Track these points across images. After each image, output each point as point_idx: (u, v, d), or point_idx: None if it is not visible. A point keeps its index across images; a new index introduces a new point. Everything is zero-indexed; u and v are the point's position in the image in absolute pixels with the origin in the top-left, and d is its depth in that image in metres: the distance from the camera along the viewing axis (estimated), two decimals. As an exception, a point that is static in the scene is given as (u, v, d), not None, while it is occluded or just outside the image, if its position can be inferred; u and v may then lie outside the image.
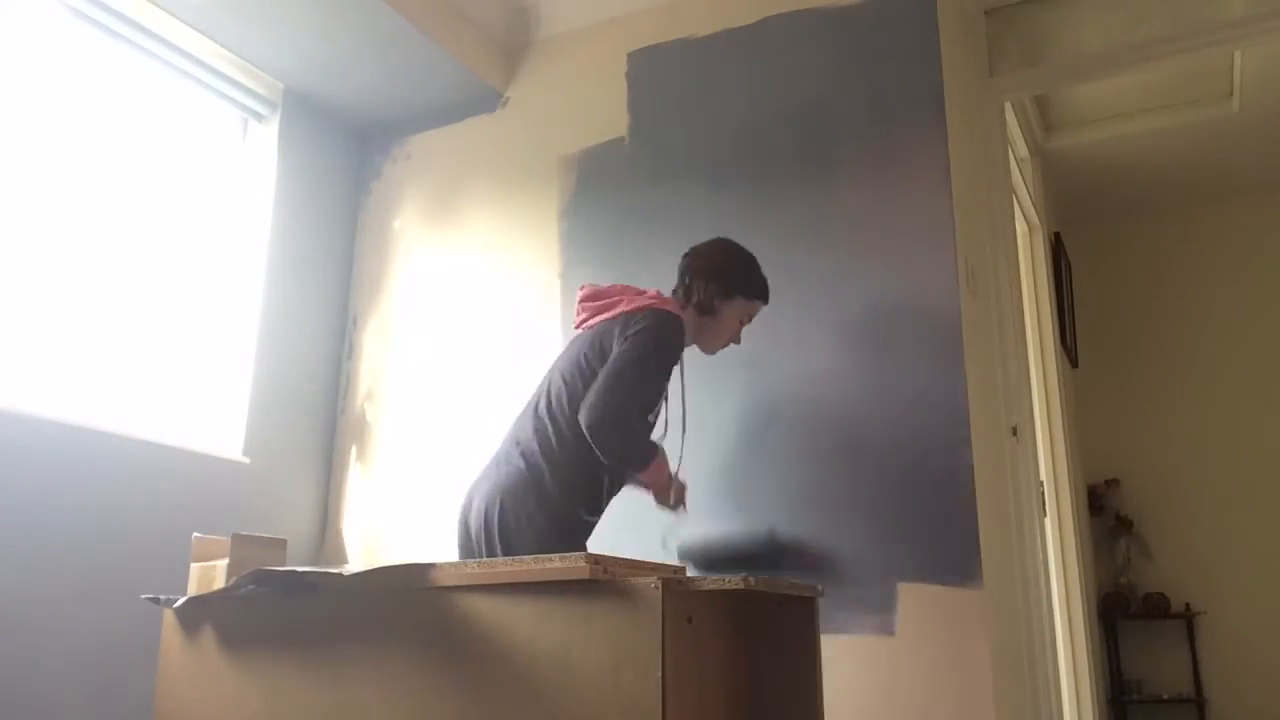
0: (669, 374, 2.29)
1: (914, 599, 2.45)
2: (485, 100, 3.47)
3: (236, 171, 3.34)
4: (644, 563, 1.60)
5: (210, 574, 1.99)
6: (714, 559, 2.68)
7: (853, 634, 2.48)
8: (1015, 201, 3.78)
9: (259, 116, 3.39)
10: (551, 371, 2.35)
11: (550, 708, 1.50)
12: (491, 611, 1.59)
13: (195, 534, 2.11)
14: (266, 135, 3.38)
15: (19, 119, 2.68)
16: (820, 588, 1.83)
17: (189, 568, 2.07)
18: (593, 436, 2.13)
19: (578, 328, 2.44)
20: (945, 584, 2.42)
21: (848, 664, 2.45)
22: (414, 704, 1.63)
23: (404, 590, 1.70)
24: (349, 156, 3.65)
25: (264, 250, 3.26)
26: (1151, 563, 5.33)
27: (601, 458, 2.16)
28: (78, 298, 2.78)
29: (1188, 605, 5.17)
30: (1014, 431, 3.06)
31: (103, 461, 2.66)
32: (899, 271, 2.66)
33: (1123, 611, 5.23)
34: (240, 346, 3.19)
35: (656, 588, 1.45)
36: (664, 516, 2.46)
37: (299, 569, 1.88)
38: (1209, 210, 5.55)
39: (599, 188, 3.18)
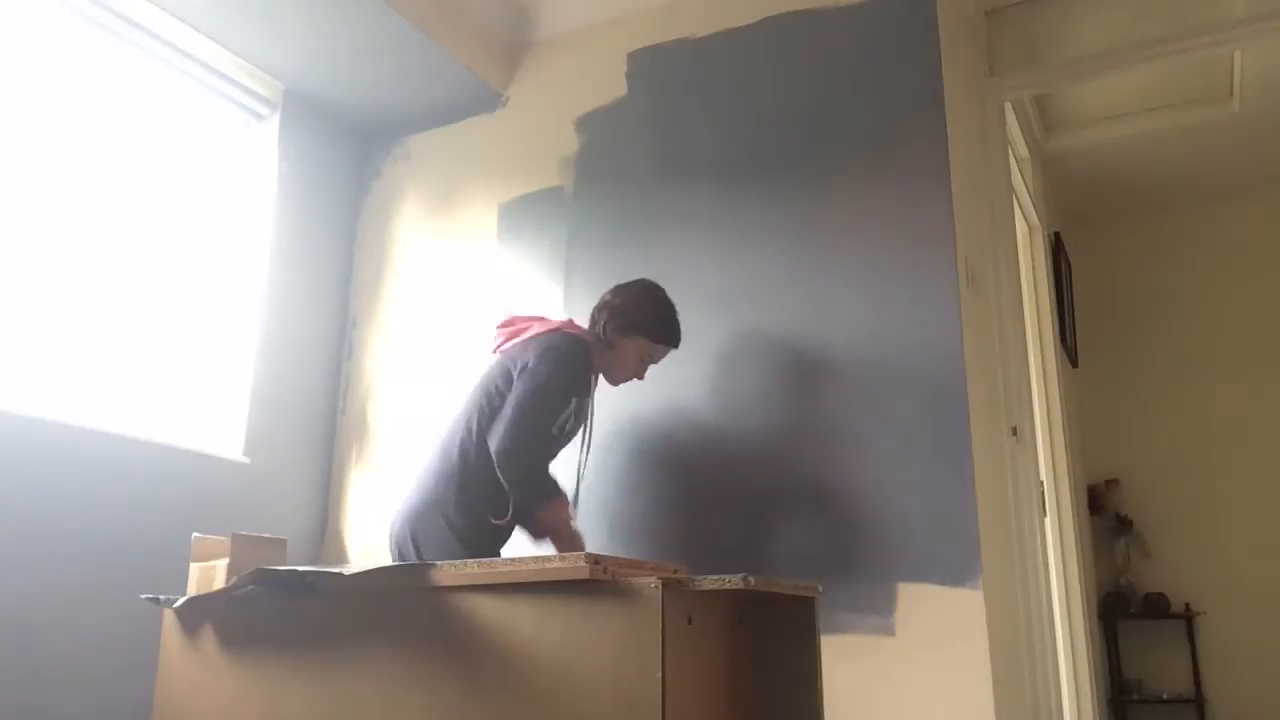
0: (578, 392, 2.44)
1: (914, 599, 2.45)
2: (485, 100, 3.47)
3: (236, 171, 3.33)
4: (644, 563, 1.60)
5: (210, 574, 1.99)
6: None
7: (853, 634, 2.48)
8: (1015, 201, 3.78)
9: (259, 116, 3.39)
10: (469, 395, 2.48)
11: (550, 708, 1.50)
12: (491, 611, 1.59)
13: (195, 534, 2.11)
14: (266, 135, 3.38)
15: (20, 119, 2.68)
16: (820, 587, 1.83)
17: (189, 568, 2.07)
18: (501, 469, 2.31)
19: (494, 352, 2.57)
20: (945, 584, 2.42)
21: (848, 664, 2.45)
22: (414, 703, 1.63)
23: (404, 590, 1.70)
24: (349, 156, 3.65)
25: (264, 250, 3.26)
26: (1151, 563, 5.33)
27: (506, 488, 2.33)
28: (79, 298, 2.78)
29: (1188, 605, 5.17)
30: (1014, 431, 3.06)
31: (103, 461, 2.66)
32: (899, 271, 2.66)
33: (1123, 611, 5.23)
34: (240, 346, 3.19)
35: (656, 587, 1.45)
36: None
37: (299, 569, 1.88)
38: (1209, 210, 5.55)
39: (599, 188, 3.18)
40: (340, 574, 1.74)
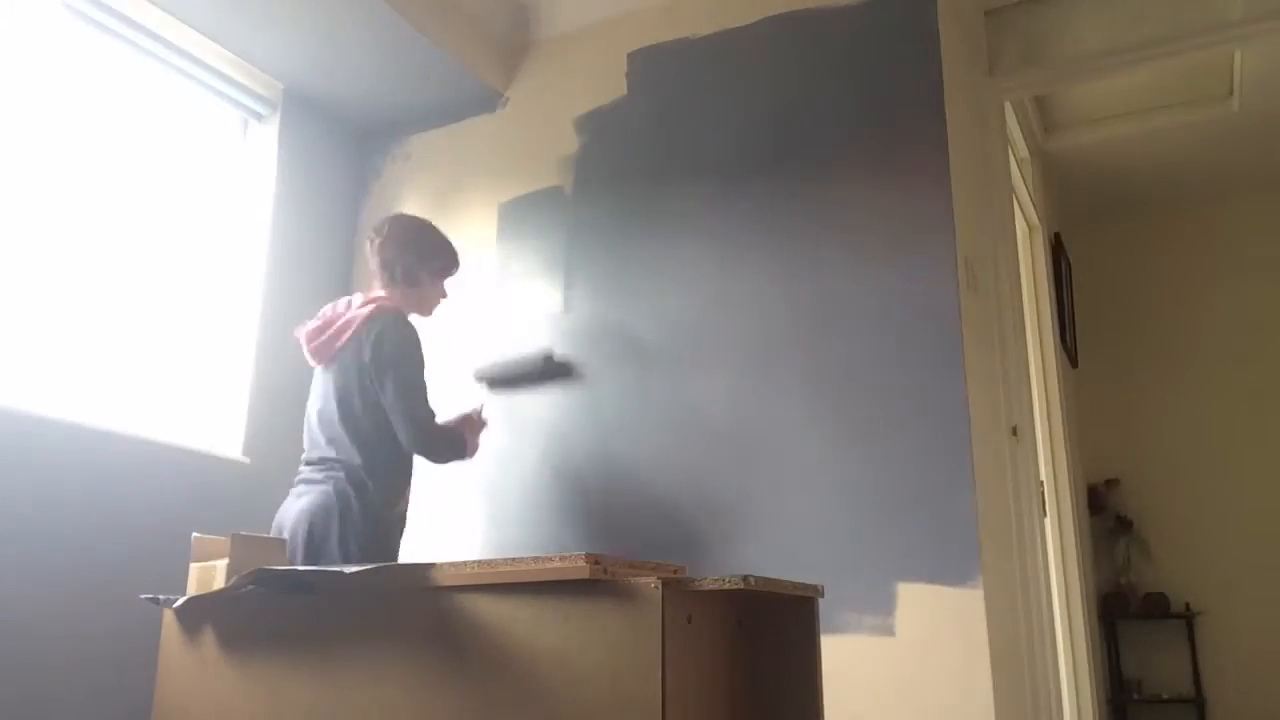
0: (423, 359, 2.59)
1: (914, 599, 2.45)
2: (485, 100, 3.47)
3: (236, 171, 3.33)
4: (644, 563, 1.60)
5: (210, 574, 1.99)
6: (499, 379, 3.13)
7: (853, 634, 2.48)
8: (1015, 201, 3.78)
9: (259, 116, 3.39)
10: (323, 403, 2.58)
11: (550, 708, 1.50)
12: (491, 611, 1.59)
13: (195, 534, 2.11)
14: (266, 135, 3.38)
15: (19, 119, 2.68)
16: (820, 588, 1.83)
17: (189, 568, 2.07)
18: (428, 457, 2.58)
19: (319, 362, 2.65)
20: (945, 584, 2.43)
21: (848, 664, 2.45)
22: (413, 703, 1.63)
23: (404, 590, 1.70)
24: (349, 156, 3.65)
25: (264, 250, 3.26)
26: (1151, 563, 5.33)
27: (436, 464, 2.63)
28: (78, 297, 2.78)
29: (1188, 605, 5.17)
30: (1014, 431, 3.06)
31: (103, 461, 2.66)
32: (899, 271, 2.66)
33: (1123, 611, 5.23)
34: (240, 346, 3.19)
35: (656, 587, 1.45)
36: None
37: (299, 569, 1.88)
38: (1209, 210, 5.55)
39: (599, 188, 3.18)
40: (340, 574, 1.74)
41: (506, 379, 3.10)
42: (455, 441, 2.61)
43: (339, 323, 2.61)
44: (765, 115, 2.96)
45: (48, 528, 2.51)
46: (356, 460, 2.48)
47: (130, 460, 2.73)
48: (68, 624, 2.52)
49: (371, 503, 2.47)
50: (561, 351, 3.06)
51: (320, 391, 2.61)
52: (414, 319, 2.68)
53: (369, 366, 2.51)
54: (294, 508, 2.51)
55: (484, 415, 2.79)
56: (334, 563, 2.37)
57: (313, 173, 3.48)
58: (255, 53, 3.22)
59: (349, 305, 2.66)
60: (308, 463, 2.57)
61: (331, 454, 2.51)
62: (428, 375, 2.57)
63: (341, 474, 2.47)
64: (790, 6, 2.98)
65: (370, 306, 2.60)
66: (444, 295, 2.80)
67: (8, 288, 2.61)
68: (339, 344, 2.57)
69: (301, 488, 2.54)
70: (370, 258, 2.73)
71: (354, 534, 2.43)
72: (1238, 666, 5.06)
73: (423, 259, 2.70)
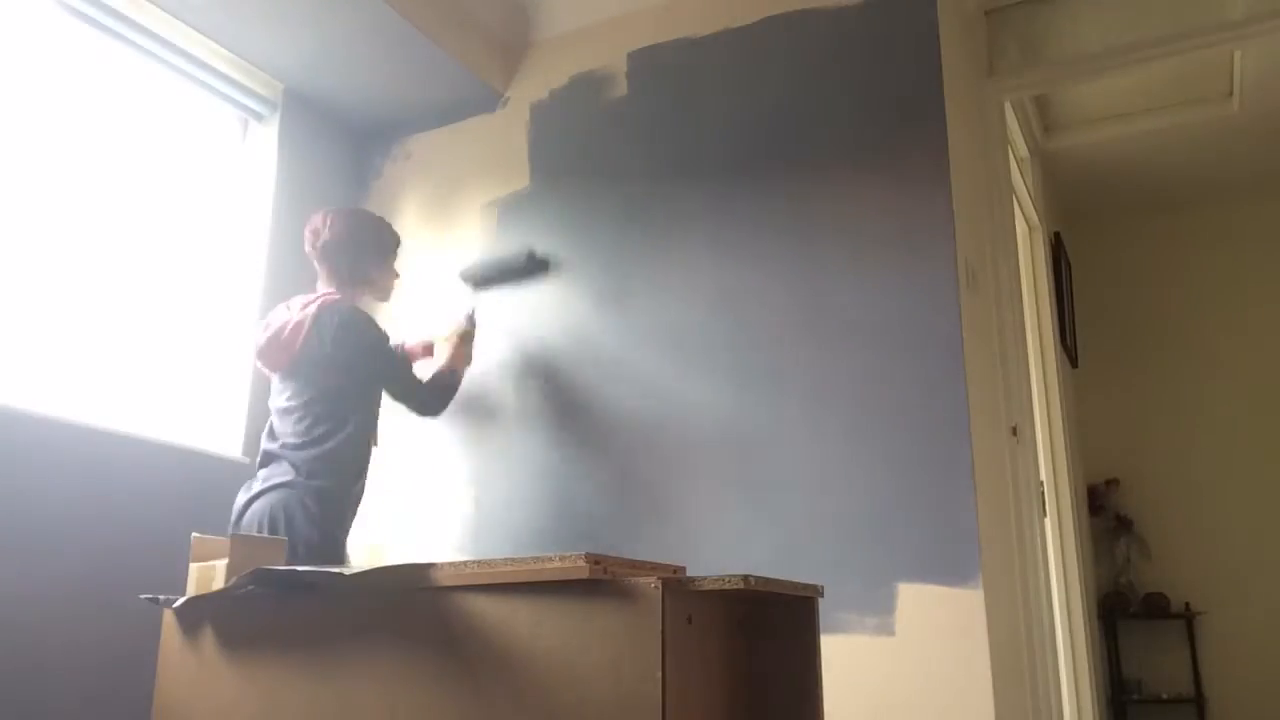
0: (386, 335, 2.73)
1: (914, 599, 2.45)
2: (485, 100, 3.47)
3: (236, 171, 3.33)
4: (644, 562, 1.60)
5: (209, 574, 1.99)
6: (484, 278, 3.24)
7: (853, 634, 2.48)
8: (1015, 201, 3.78)
9: (259, 116, 3.39)
10: (289, 404, 2.62)
11: (550, 708, 1.50)
12: (491, 611, 1.59)
13: (195, 534, 2.11)
14: (266, 135, 3.38)
15: (18, 119, 2.68)
16: (820, 588, 1.83)
17: (189, 568, 2.07)
18: (438, 414, 2.85)
19: (273, 369, 2.69)
20: (945, 584, 2.43)
21: (848, 664, 2.45)
22: (413, 704, 1.63)
23: (404, 590, 1.70)
24: (349, 156, 3.65)
25: (264, 250, 3.26)
26: (1151, 563, 5.33)
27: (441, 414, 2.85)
28: (78, 297, 2.78)
29: (1188, 605, 5.17)
30: (1014, 431, 3.06)
31: (103, 461, 2.66)
32: (899, 271, 2.66)
33: (1123, 611, 5.23)
34: (241, 346, 3.18)
35: (656, 587, 1.45)
36: None
37: (299, 569, 1.88)
38: (1209, 210, 5.55)
39: (599, 188, 3.18)
40: (340, 574, 1.74)
41: (490, 277, 3.21)
42: (451, 386, 2.83)
43: (289, 327, 2.64)
44: (765, 115, 2.96)
45: (48, 528, 2.51)
46: (312, 452, 2.54)
47: (130, 460, 2.73)
48: (67, 624, 2.52)
49: (328, 490, 2.54)
50: (544, 251, 3.18)
51: (283, 395, 2.65)
52: (379, 306, 2.93)
53: (334, 356, 2.58)
54: (256, 506, 2.55)
55: (474, 319, 3.00)
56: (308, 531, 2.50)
57: (313, 173, 3.48)
58: (255, 53, 3.21)
59: (289, 309, 2.71)
60: (267, 459, 2.63)
61: (286, 450, 2.57)
62: (393, 346, 2.75)
63: (299, 469, 2.54)
64: (790, 6, 2.98)
65: (315, 305, 2.65)
66: (396, 276, 2.91)
67: (7, 287, 2.61)
68: (294, 348, 2.62)
69: (260, 485, 2.59)
70: (312, 258, 2.79)
71: (312, 525, 2.49)
72: (1238, 666, 5.06)
73: (365, 253, 2.79)
